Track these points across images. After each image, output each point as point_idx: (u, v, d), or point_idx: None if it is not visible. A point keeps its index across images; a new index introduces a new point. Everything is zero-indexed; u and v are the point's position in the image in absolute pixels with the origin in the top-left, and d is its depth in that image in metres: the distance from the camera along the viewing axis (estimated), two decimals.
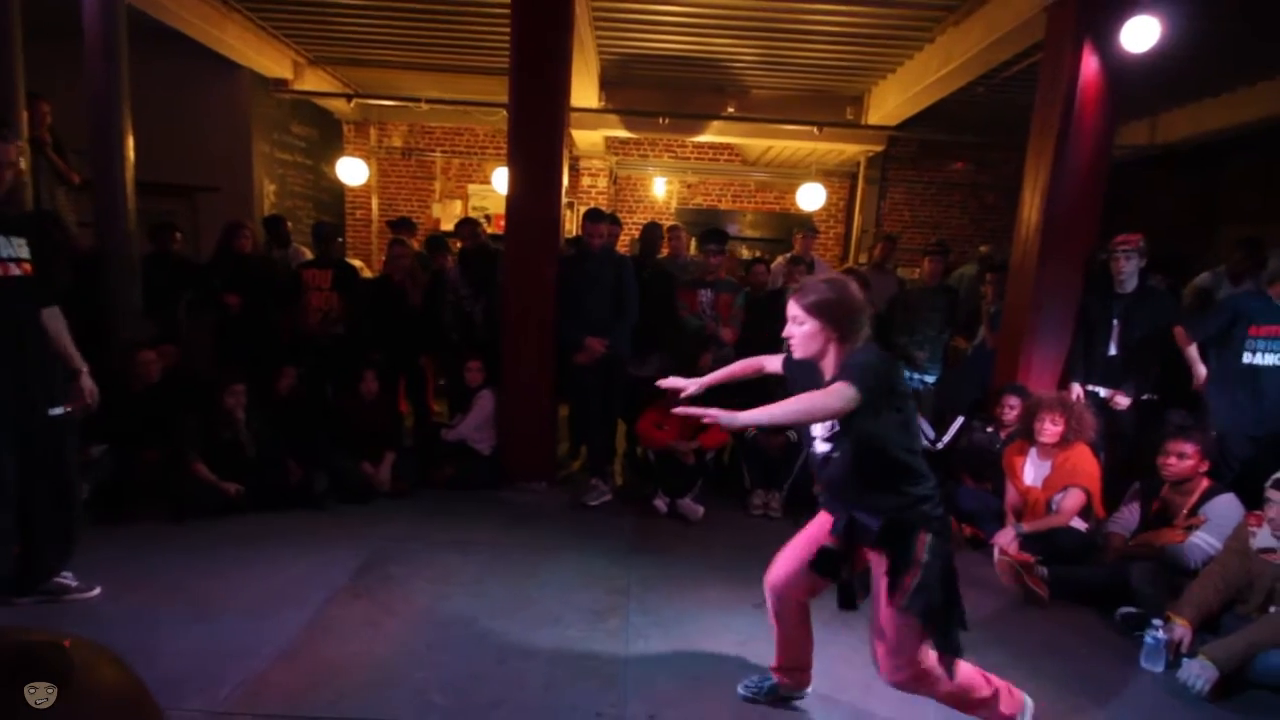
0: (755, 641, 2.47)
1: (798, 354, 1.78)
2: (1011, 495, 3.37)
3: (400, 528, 3.35)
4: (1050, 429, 3.19)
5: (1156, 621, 2.46)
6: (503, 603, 2.67)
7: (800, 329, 1.75)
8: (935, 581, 1.71)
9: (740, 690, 2.16)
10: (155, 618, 2.41)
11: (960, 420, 4.15)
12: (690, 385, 2.03)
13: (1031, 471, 3.30)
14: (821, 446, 1.82)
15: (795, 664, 2.11)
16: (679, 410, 1.68)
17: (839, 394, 1.55)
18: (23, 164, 3.62)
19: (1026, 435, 3.32)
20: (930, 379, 4.74)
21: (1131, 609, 2.72)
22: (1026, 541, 3.11)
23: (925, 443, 4.21)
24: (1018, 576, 2.93)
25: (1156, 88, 5.63)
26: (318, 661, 2.21)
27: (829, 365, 1.75)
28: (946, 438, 4.16)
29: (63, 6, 3.78)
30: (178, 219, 5.18)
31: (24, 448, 2.27)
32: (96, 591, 2.54)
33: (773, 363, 2.04)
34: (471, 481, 3.99)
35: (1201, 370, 3.45)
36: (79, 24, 3.76)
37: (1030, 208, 3.97)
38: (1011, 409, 3.69)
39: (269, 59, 6.13)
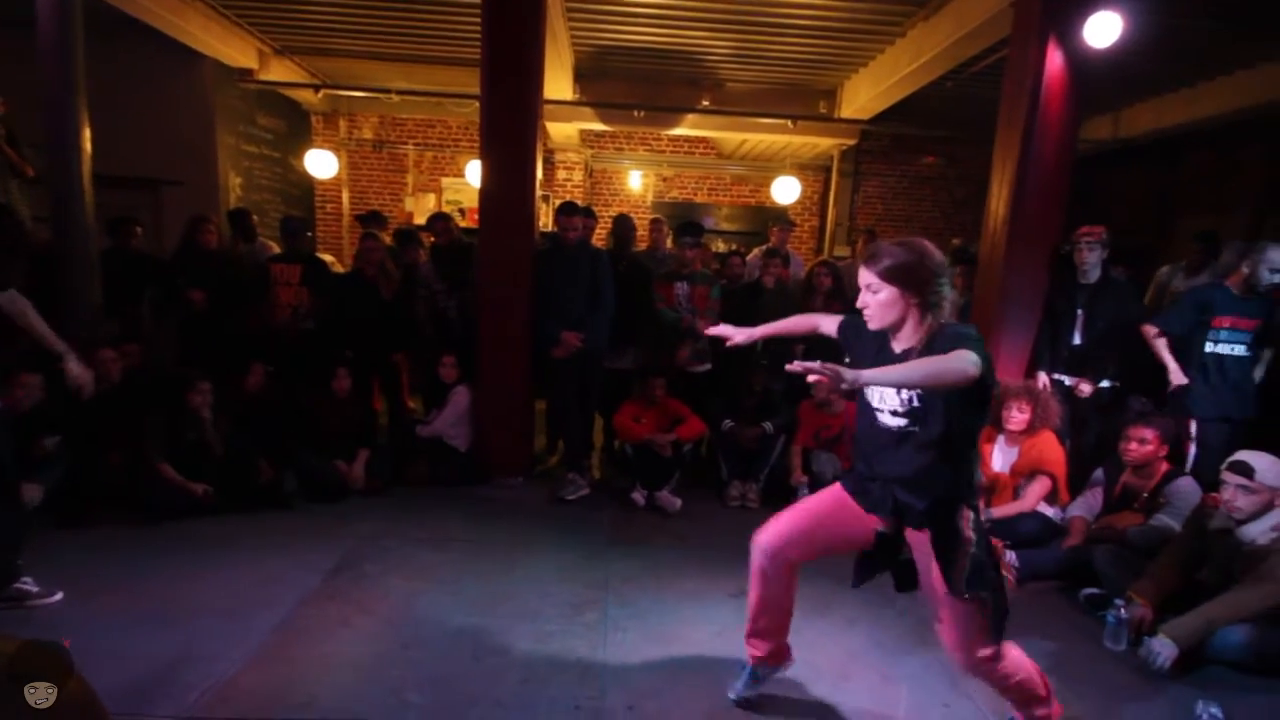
0: (732, 631, 2.49)
1: (874, 325, 1.67)
2: (980, 481, 3.44)
3: (375, 526, 3.31)
4: (1017, 417, 3.27)
5: (1118, 602, 2.54)
6: (479, 599, 2.65)
7: (875, 297, 1.63)
8: (985, 557, 1.64)
9: (731, 696, 2.09)
10: (122, 622, 2.35)
11: None
12: (738, 335, 1.98)
13: (999, 458, 3.38)
14: (892, 421, 1.68)
15: (771, 628, 2.03)
16: (794, 367, 1.43)
17: (966, 359, 1.43)
18: None
19: (995, 423, 3.39)
20: None
21: (1095, 590, 2.81)
22: (994, 527, 3.18)
23: None
24: None
25: (1119, 83, 5.77)
26: (290, 663, 2.17)
27: (906, 335, 1.65)
28: None
29: None
30: (141, 213, 5.03)
31: None
32: (58, 597, 2.47)
33: (829, 324, 1.95)
34: (448, 478, 3.96)
35: (1177, 371, 3.48)
36: (33, 12, 3.62)
37: (998, 201, 4.05)
38: None
39: (233, 48, 5.97)
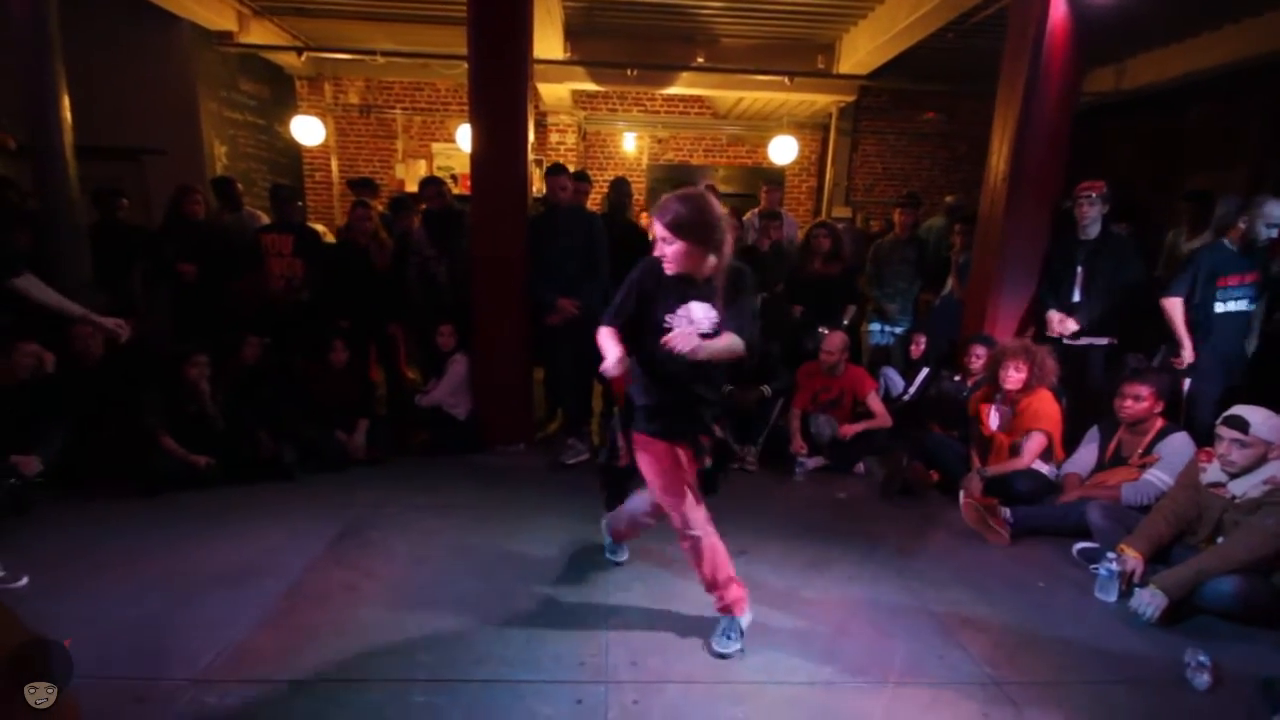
0: None
1: (670, 270, 1.97)
2: (977, 440, 3.48)
3: (377, 494, 3.34)
4: (1014, 376, 3.28)
5: (1110, 555, 2.59)
6: (483, 563, 2.70)
7: (670, 248, 1.93)
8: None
9: (715, 649, 2.14)
10: (132, 591, 2.39)
11: (925, 371, 4.24)
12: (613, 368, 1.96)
13: (996, 417, 3.40)
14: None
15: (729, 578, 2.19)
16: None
17: (741, 342, 1.95)
18: None
19: (992, 382, 3.40)
20: (900, 330, 4.82)
21: (1088, 544, 2.86)
22: (990, 484, 3.23)
23: (894, 394, 4.32)
24: (981, 518, 3.05)
25: (1123, 33, 5.62)
26: (299, 628, 2.22)
27: (708, 268, 1.97)
28: (913, 389, 4.25)
29: None
30: (125, 184, 4.93)
31: None
32: (24, 582, 2.42)
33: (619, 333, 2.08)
34: (448, 446, 3.98)
35: (1190, 350, 3.45)
36: None
37: (998, 157, 3.98)
38: (978, 358, 3.78)
39: (210, 10, 5.77)
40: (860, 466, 3.87)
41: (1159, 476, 2.91)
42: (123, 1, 5.08)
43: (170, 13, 5.52)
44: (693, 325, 1.96)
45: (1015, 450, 3.32)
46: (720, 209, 1.95)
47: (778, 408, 4.00)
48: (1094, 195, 3.63)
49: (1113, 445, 3.19)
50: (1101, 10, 3.66)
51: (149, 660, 2.00)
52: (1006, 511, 3.07)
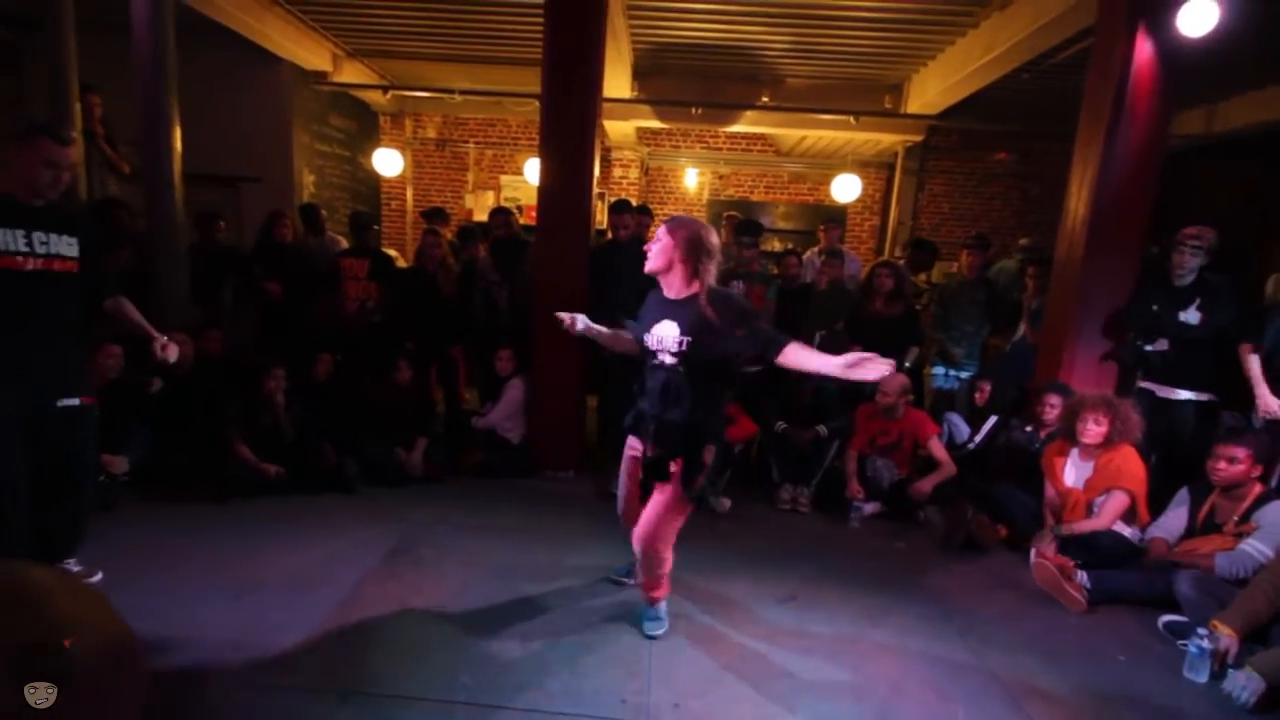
0: (782, 635, 2.46)
1: (650, 265, 2.16)
2: (1050, 496, 3.27)
3: (431, 512, 3.42)
4: (1094, 429, 3.09)
5: (1201, 631, 2.37)
6: (529, 589, 2.70)
7: (659, 244, 2.15)
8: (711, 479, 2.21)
9: (648, 632, 2.40)
10: (200, 591, 2.51)
11: (994, 419, 4.05)
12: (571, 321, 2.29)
13: (1072, 473, 3.20)
14: (668, 360, 2.15)
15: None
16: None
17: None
18: (77, 155, 3.77)
19: (1068, 435, 3.21)
20: (966, 375, 4.63)
21: (1175, 617, 2.62)
22: (1065, 544, 3.02)
23: (958, 441, 4.13)
24: (1055, 580, 2.85)
25: (1215, 74, 5.36)
26: (351, 638, 2.27)
27: (676, 288, 2.16)
28: (980, 437, 4.06)
29: (114, 3, 3.89)
30: (223, 208, 5.33)
31: (35, 438, 2.29)
32: (99, 577, 2.55)
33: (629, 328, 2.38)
34: (501, 469, 4.04)
35: (1267, 398, 3.22)
36: (129, 18, 3.88)
37: (1077, 200, 3.83)
38: (1053, 408, 3.59)
39: (308, 51, 6.26)
40: (921, 515, 3.70)
41: (1257, 548, 2.65)
42: (232, 43, 5.57)
43: (274, 54, 6.02)
44: (660, 344, 2.15)
45: (1093, 509, 3.10)
46: (717, 244, 2.16)
47: (833, 449, 3.89)
48: (1199, 245, 3.42)
49: (1205, 510, 2.94)
50: (1190, 52, 3.51)
51: (213, 658, 2.09)
52: (1083, 575, 2.86)
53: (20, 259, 2.17)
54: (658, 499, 2.21)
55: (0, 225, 2.14)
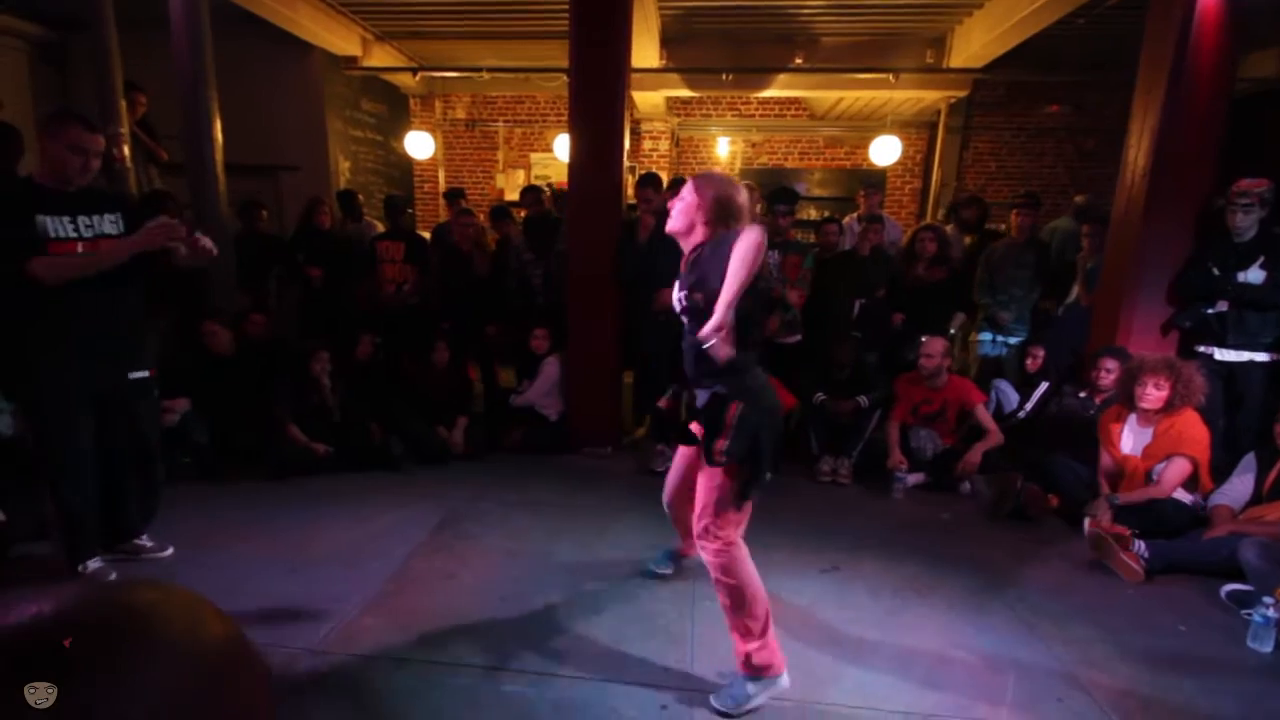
0: (822, 604, 2.45)
1: (671, 223, 1.96)
2: (1106, 464, 3.15)
3: (474, 488, 3.50)
4: (1153, 394, 2.95)
5: (1268, 599, 2.26)
6: (571, 561, 2.75)
7: (683, 201, 1.94)
8: (746, 443, 1.88)
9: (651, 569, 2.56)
10: (258, 566, 2.63)
11: (1045, 386, 3.90)
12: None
13: (1130, 439, 3.08)
14: (681, 317, 1.98)
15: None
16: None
17: (747, 239, 1.73)
18: (126, 150, 3.90)
19: (1126, 400, 3.08)
20: (1015, 340, 4.47)
21: (1239, 585, 2.51)
22: (1121, 513, 2.92)
23: (1006, 409, 4.00)
24: (1110, 550, 2.76)
25: None
26: (402, 609, 2.35)
27: (693, 241, 1.94)
28: (1030, 404, 3.92)
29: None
30: (263, 197, 5.47)
31: (109, 413, 2.41)
32: (169, 552, 2.69)
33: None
34: (539, 446, 4.10)
35: None
36: (166, 13, 3.96)
37: (1137, 151, 3.61)
38: (1109, 373, 3.44)
39: (338, 37, 6.30)
40: (966, 485, 3.61)
41: None
42: (265, 34, 5.64)
43: (305, 42, 6.08)
44: (680, 306, 1.99)
45: (1151, 477, 2.98)
46: (745, 203, 1.93)
47: (874, 420, 3.82)
48: (1250, 201, 3.20)
49: (1272, 476, 2.79)
50: None
51: (272, 630, 2.19)
52: (1141, 544, 2.75)
53: (71, 243, 2.26)
54: (699, 481, 1.96)
55: (47, 213, 2.21)
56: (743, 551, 1.93)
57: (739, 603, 1.89)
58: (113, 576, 2.44)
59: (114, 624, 0.39)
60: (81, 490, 2.41)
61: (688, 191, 1.93)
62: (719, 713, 1.87)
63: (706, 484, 1.91)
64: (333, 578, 2.54)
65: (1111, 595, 2.60)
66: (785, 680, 1.91)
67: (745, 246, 1.70)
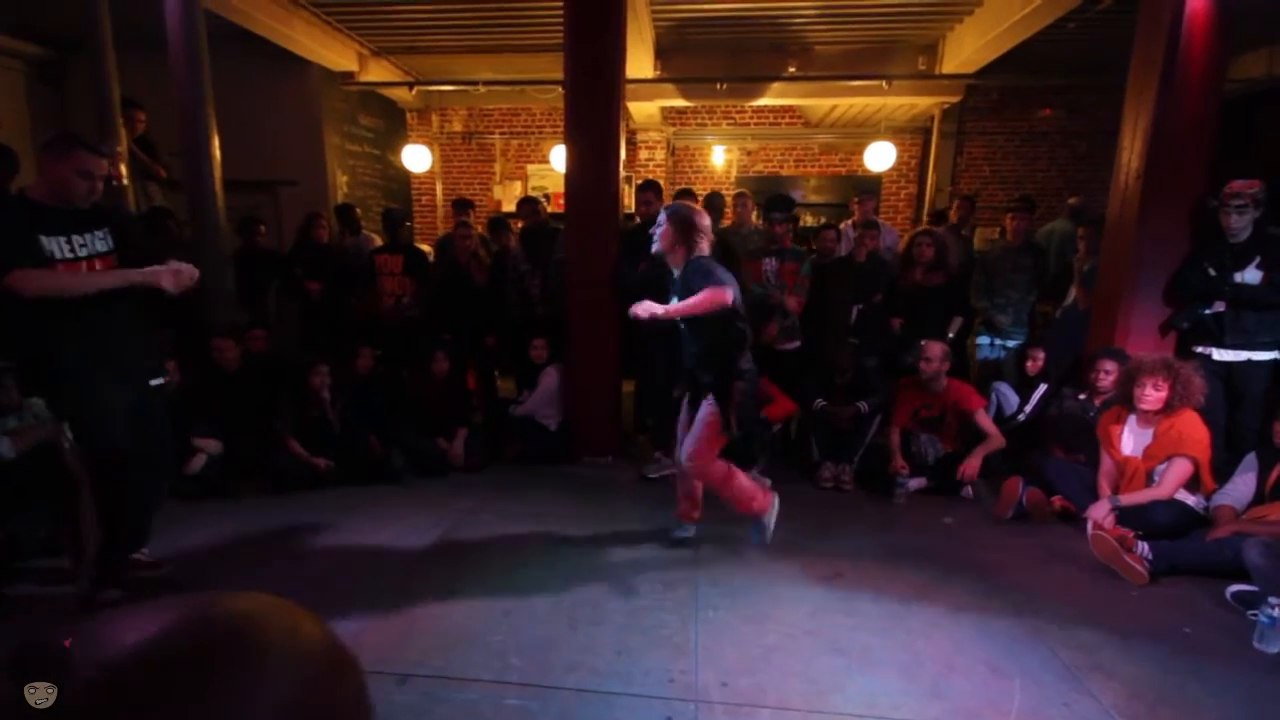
0: (826, 611, 2.45)
1: (655, 246, 2.68)
2: (1107, 466, 3.15)
3: (475, 500, 3.49)
4: (1152, 394, 2.95)
5: (1273, 600, 2.25)
6: (573, 572, 2.73)
7: (659, 229, 2.65)
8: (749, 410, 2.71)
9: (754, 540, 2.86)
10: (259, 580, 2.62)
11: (1043, 388, 3.91)
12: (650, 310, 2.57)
13: (1130, 440, 3.08)
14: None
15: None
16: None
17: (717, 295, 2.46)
18: (123, 169, 3.92)
19: (1125, 402, 3.08)
20: (1012, 344, 4.47)
21: (1244, 586, 2.51)
22: (1123, 515, 2.91)
23: (1007, 412, 4.01)
24: (1114, 552, 2.75)
25: (1276, 12, 4.98)
26: (403, 622, 2.34)
27: (676, 262, 2.65)
28: (1029, 407, 3.93)
29: (150, 19, 3.99)
30: (262, 212, 5.49)
31: (136, 421, 2.40)
32: (166, 569, 2.67)
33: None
34: (540, 456, 4.10)
35: None
36: (164, 33, 3.99)
37: (1130, 152, 3.63)
38: (1107, 374, 3.44)
39: (335, 53, 6.35)
40: (968, 490, 3.61)
41: None
42: (262, 51, 5.68)
43: (302, 58, 6.12)
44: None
45: (1152, 478, 2.98)
46: (707, 223, 2.63)
47: (875, 425, 3.81)
48: (1243, 203, 3.22)
49: (1274, 476, 2.79)
50: None
51: None
52: (1144, 546, 2.75)
53: (76, 264, 2.26)
54: (694, 426, 2.67)
55: (45, 234, 2.20)
56: (715, 464, 2.67)
57: (723, 485, 2.71)
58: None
59: (220, 639, 0.38)
60: (137, 485, 2.44)
61: (662, 220, 2.63)
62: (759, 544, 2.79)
63: (698, 430, 2.67)
64: (334, 590, 2.53)
65: (1116, 598, 2.60)
66: (776, 502, 2.84)
67: (705, 296, 2.42)
